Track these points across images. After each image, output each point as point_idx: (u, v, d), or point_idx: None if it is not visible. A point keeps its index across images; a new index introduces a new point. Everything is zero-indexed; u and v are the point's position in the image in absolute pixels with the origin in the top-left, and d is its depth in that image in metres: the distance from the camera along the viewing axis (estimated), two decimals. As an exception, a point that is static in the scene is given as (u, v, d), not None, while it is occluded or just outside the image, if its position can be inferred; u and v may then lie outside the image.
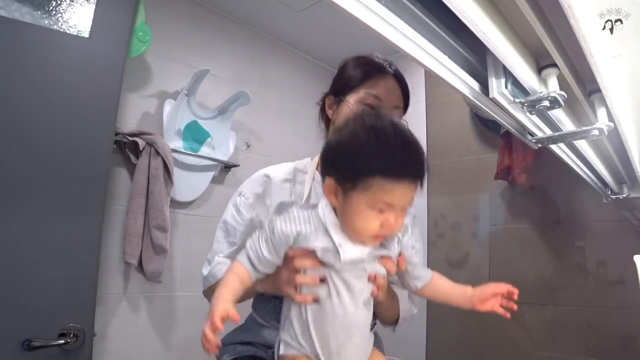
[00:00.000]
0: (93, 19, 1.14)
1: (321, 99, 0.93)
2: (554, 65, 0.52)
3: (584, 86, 0.59)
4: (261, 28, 2.02)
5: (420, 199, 1.96)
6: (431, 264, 1.87)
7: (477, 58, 0.59)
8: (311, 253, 0.60)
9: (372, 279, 0.62)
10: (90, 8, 1.14)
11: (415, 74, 2.05)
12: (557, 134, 0.67)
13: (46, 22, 1.08)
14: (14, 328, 0.95)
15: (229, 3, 1.82)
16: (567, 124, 0.67)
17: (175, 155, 1.55)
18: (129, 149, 1.46)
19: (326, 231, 0.60)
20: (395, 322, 0.85)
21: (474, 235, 1.81)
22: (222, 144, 1.73)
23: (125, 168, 1.49)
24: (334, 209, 0.61)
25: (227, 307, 0.56)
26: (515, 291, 0.62)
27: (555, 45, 0.47)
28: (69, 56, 1.12)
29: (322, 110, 0.93)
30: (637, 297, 0.99)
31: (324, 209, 0.62)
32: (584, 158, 0.89)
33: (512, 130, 0.70)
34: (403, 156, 0.56)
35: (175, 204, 1.59)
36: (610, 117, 0.61)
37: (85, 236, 1.08)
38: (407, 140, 0.57)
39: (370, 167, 0.55)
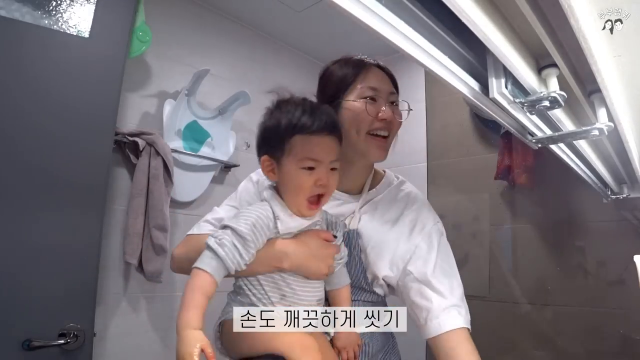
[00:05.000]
0: (93, 19, 1.14)
1: None
2: (554, 65, 0.52)
3: (584, 86, 0.59)
4: (261, 28, 2.01)
5: (420, 199, 1.96)
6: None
7: (477, 58, 0.59)
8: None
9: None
10: (90, 8, 1.14)
11: (415, 74, 2.05)
12: (557, 134, 0.67)
13: (46, 22, 1.08)
14: (14, 328, 0.95)
15: (229, 3, 1.82)
16: (567, 124, 0.67)
17: (175, 155, 1.55)
18: (129, 149, 1.46)
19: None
20: None
21: (473, 235, 1.81)
22: (222, 144, 1.73)
23: (125, 168, 1.49)
24: (277, 191, 0.69)
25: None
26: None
27: (555, 45, 0.47)
28: (69, 56, 1.12)
29: None
30: (637, 297, 0.99)
31: (268, 193, 0.69)
32: (584, 158, 0.89)
33: (512, 130, 0.70)
34: (313, 115, 0.66)
35: (175, 204, 1.59)
36: (610, 117, 0.61)
37: (85, 236, 1.09)
38: (314, 105, 0.69)
39: (290, 129, 0.65)
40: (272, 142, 0.67)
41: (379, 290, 0.80)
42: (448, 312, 0.70)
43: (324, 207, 0.78)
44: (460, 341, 0.68)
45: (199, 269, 0.59)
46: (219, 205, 0.93)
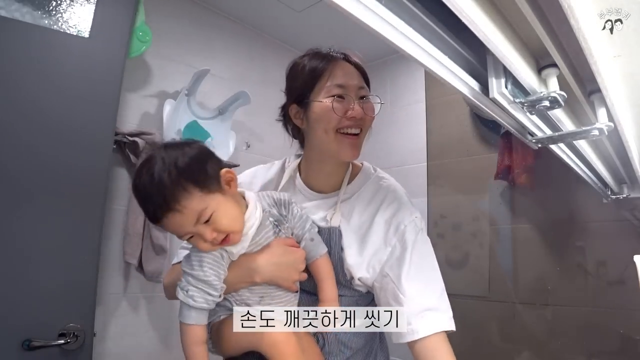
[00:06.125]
0: (93, 19, 1.14)
1: (281, 113, 0.88)
2: (554, 65, 0.52)
3: (584, 86, 0.59)
4: (261, 28, 2.01)
5: (420, 199, 1.96)
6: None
7: (477, 58, 0.59)
8: None
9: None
10: (90, 8, 1.14)
11: (415, 74, 2.05)
12: (557, 134, 0.67)
13: (46, 22, 1.08)
14: (14, 328, 0.95)
15: (228, 3, 1.82)
16: (567, 124, 0.67)
17: (175, 155, 1.55)
18: (129, 149, 1.46)
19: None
20: None
21: (474, 235, 1.81)
22: (222, 144, 1.73)
23: (125, 168, 1.49)
24: None
25: None
26: None
27: (555, 45, 0.47)
28: (69, 56, 1.12)
29: (287, 123, 0.88)
30: (637, 297, 0.99)
31: None
32: (584, 158, 0.89)
33: (512, 130, 0.70)
34: (144, 206, 0.64)
35: (175, 204, 1.59)
36: (610, 117, 0.61)
37: (85, 236, 1.09)
38: (139, 191, 0.63)
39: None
40: None
41: (358, 288, 0.79)
42: (421, 317, 0.68)
43: (305, 203, 0.82)
44: (434, 348, 0.67)
45: (183, 323, 0.64)
46: None
